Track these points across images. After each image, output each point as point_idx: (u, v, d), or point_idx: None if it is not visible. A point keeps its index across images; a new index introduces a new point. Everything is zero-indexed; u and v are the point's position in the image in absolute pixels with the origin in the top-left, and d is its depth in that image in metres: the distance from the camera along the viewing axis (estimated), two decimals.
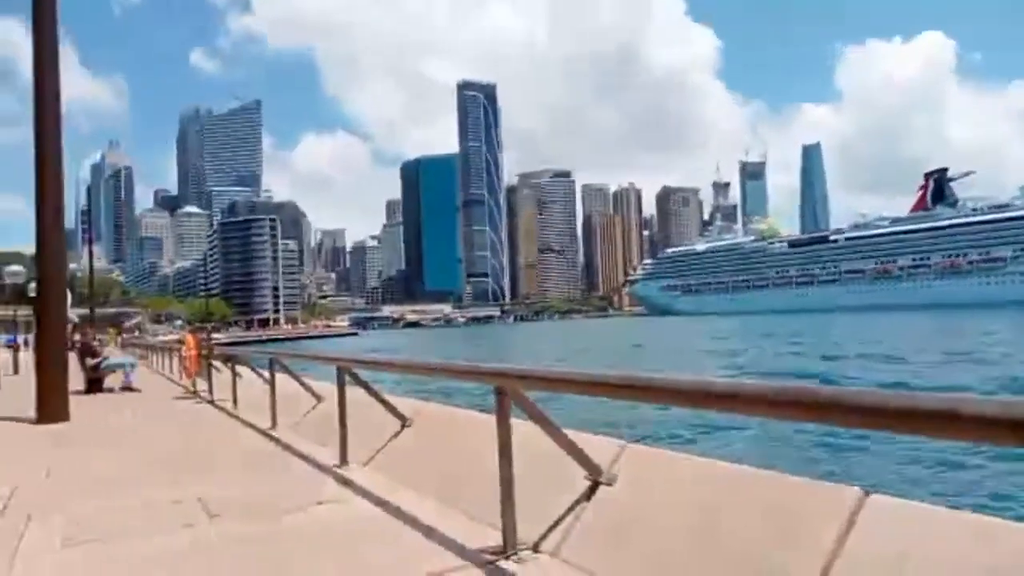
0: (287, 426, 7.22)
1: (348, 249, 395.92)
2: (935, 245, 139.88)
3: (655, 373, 2.44)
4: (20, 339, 26.11)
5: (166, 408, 10.70)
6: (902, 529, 2.09)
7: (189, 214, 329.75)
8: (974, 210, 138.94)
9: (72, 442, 7.51)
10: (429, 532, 3.45)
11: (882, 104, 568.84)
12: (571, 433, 3.25)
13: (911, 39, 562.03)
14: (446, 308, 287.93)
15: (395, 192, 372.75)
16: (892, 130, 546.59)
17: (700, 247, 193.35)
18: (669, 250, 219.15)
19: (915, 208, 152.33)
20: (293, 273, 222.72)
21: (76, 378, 13.41)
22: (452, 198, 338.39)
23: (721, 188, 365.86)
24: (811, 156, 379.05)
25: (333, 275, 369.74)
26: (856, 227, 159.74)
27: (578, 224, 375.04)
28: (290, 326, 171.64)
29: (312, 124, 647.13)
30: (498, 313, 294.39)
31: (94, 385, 13.11)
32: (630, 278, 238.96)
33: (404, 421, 5.20)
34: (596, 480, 3.12)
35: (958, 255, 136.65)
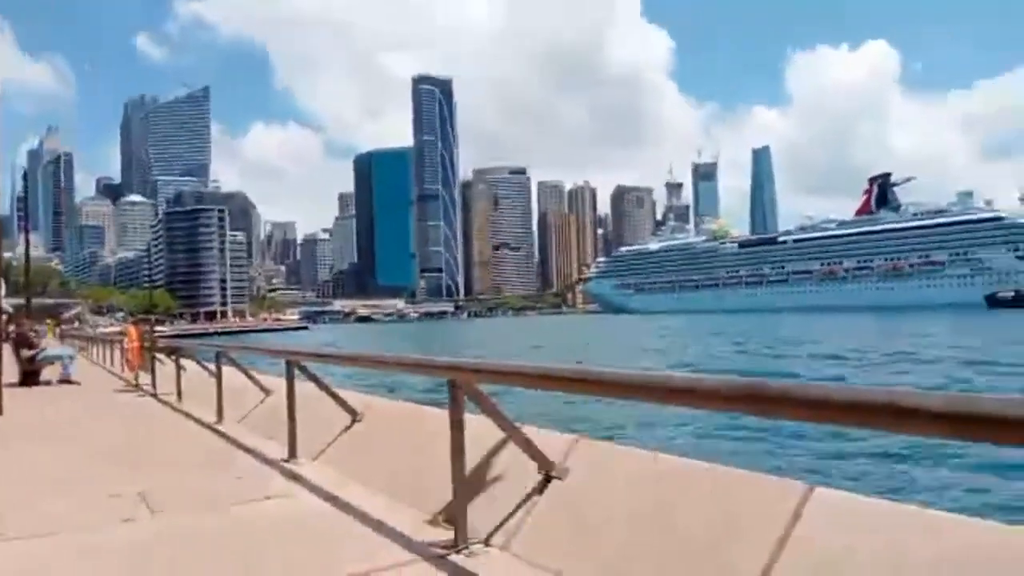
0: (234, 420, 7.06)
1: (299, 242, 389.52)
2: (878, 248, 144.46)
3: (607, 367, 2.46)
4: None
5: (107, 401, 10.38)
6: (847, 522, 2.14)
7: (133, 203, 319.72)
8: (915, 215, 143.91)
9: (6, 437, 7.22)
10: (379, 526, 3.41)
11: (830, 109, 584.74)
12: (524, 427, 3.26)
13: (858, 47, 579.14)
14: (399, 303, 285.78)
15: (348, 185, 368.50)
16: (839, 135, 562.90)
17: (653, 246, 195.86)
18: (623, 249, 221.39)
19: (860, 212, 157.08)
20: (241, 265, 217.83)
21: (10, 371, 12.91)
22: (406, 192, 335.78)
23: (674, 188, 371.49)
24: (760, 159, 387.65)
25: (283, 268, 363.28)
26: (803, 229, 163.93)
27: (533, 221, 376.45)
28: (238, 319, 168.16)
29: (263, 114, 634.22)
30: (452, 309, 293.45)
31: (30, 378, 12.62)
32: (584, 276, 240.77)
33: (355, 415, 5.13)
34: (548, 474, 3.13)
35: (900, 258, 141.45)
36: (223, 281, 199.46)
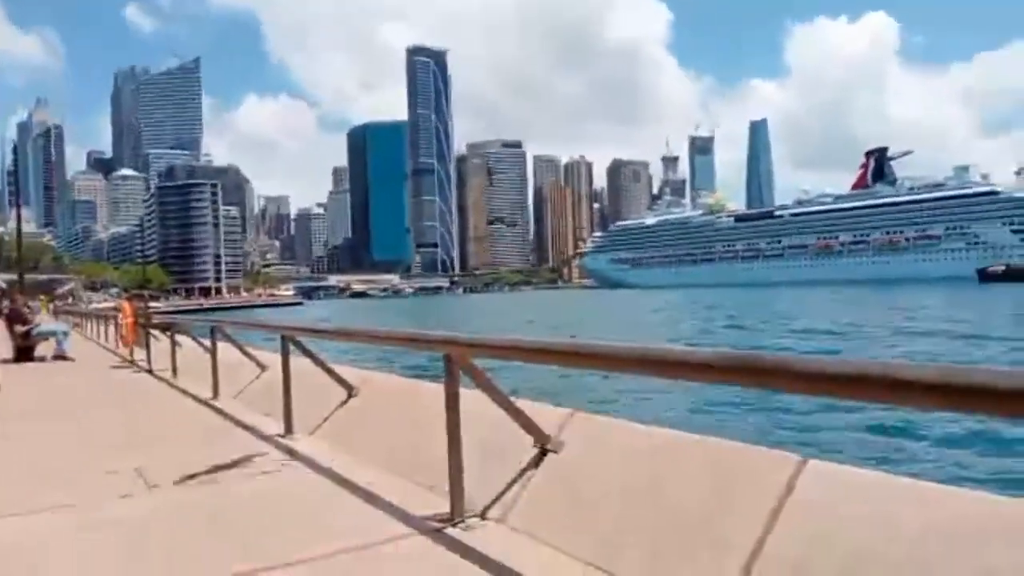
0: (229, 396, 7.07)
1: (293, 216, 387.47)
2: (875, 222, 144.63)
3: (602, 340, 2.46)
4: None
5: (102, 377, 10.38)
6: (840, 494, 2.15)
7: (124, 177, 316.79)
8: (911, 189, 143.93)
9: (0, 414, 7.21)
10: (376, 500, 3.43)
11: (828, 82, 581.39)
12: (519, 401, 3.26)
13: (857, 19, 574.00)
14: (394, 278, 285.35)
15: (341, 159, 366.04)
16: (836, 108, 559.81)
17: (649, 221, 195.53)
18: (619, 223, 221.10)
19: (856, 185, 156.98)
20: (235, 240, 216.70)
21: (4, 347, 12.89)
22: (400, 166, 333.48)
23: (671, 162, 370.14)
24: (758, 132, 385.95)
25: (277, 243, 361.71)
26: (800, 203, 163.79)
27: (529, 196, 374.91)
28: (232, 295, 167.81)
29: (255, 86, 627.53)
30: (447, 284, 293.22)
31: (24, 354, 12.60)
32: (580, 251, 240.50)
33: (350, 390, 5.14)
34: (544, 447, 3.14)
35: (896, 232, 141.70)
36: (217, 256, 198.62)
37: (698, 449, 2.70)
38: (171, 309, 66.83)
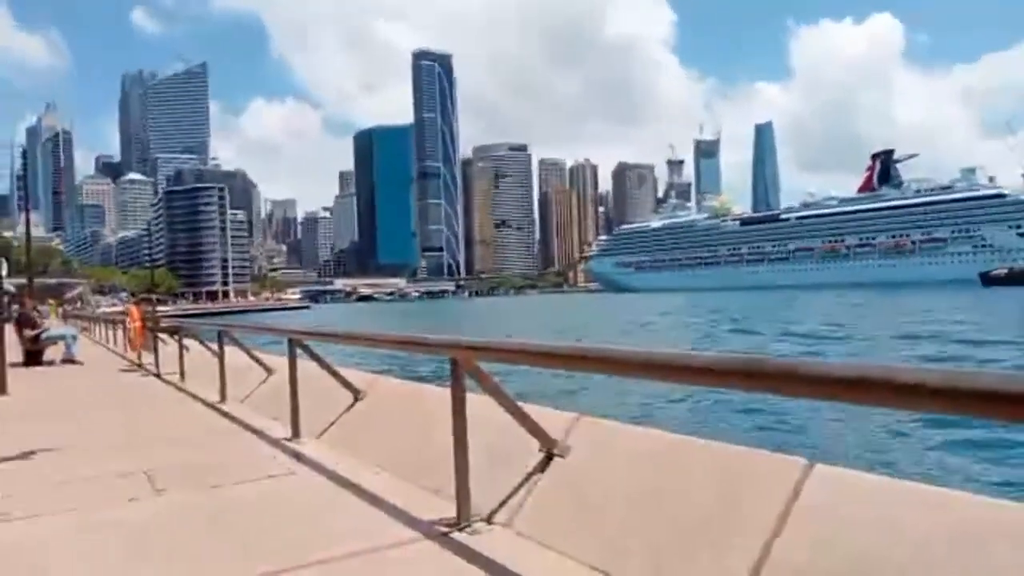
0: (237, 399, 7.10)
1: (299, 220, 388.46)
2: (881, 225, 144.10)
3: (607, 344, 2.46)
4: None
5: (110, 381, 10.42)
6: (847, 498, 2.15)
7: (132, 181, 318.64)
8: (918, 192, 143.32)
9: (11, 416, 7.27)
10: (382, 504, 3.44)
11: (832, 84, 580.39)
12: (525, 406, 3.27)
13: (862, 20, 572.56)
14: (400, 282, 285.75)
15: (348, 162, 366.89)
16: (841, 110, 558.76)
17: (654, 224, 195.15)
18: (624, 226, 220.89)
19: (862, 188, 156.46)
20: (242, 244, 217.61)
21: (13, 351, 12.95)
22: (406, 169, 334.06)
23: (675, 166, 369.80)
24: (763, 135, 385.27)
25: (284, 247, 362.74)
26: (806, 206, 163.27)
27: (534, 199, 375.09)
28: (240, 299, 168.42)
29: (260, 88, 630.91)
30: (453, 288, 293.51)
31: (33, 358, 12.67)
32: (585, 255, 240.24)
33: (357, 394, 5.15)
34: (550, 451, 3.14)
35: (902, 235, 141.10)
36: (224, 260, 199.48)
37: (704, 453, 2.70)
38: (179, 313, 67.09)
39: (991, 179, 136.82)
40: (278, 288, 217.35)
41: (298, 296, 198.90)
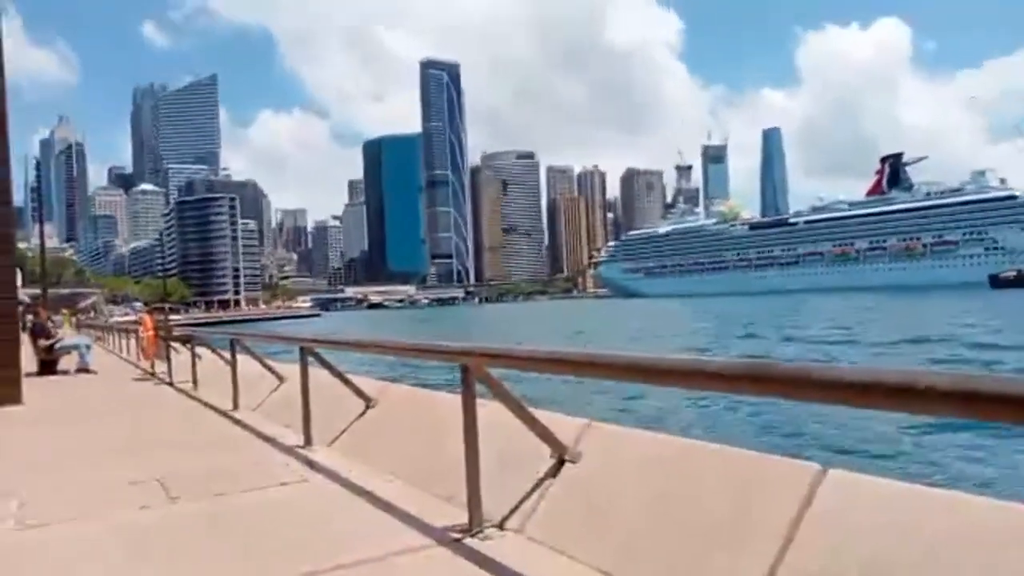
0: (249, 407, 7.13)
1: (309, 229, 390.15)
2: (891, 228, 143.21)
3: (617, 351, 2.47)
4: None
5: (124, 390, 10.50)
6: (861, 503, 2.14)
7: (144, 192, 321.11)
8: (928, 194, 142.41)
9: (26, 425, 7.33)
10: (394, 511, 3.45)
11: (840, 89, 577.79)
12: (536, 412, 3.27)
13: (868, 25, 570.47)
14: (410, 289, 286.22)
15: (356, 171, 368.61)
16: (849, 115, 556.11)
17: (663, 229, 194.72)
18: (633, 232, 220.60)
19: (871, 192, 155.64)
20: (253, 253, 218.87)
21: (28, 360, 13.05)
22: (415, 178, 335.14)
23: (684, 171, 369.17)
24: (771, 140, 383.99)
25: (295, 256, 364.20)
26: (815, 210, 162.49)
27: (542, 206, 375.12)
28: (251, 307, 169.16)
29: (268, 98, 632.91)
30: (462, 295, 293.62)
31: (47, 367, 12.77)
32: (594, 260, 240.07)
33: (368, 401, 5.17)
34: (561, 458, 3.14)
35: (913, 238, 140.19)
36: (235, 269, 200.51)
37: (716, 459, 2.70)
38: (191, 322, 67.40)
39: (1002, 181, 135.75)
40: (289, 296, 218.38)
41: (309, 304, 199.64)
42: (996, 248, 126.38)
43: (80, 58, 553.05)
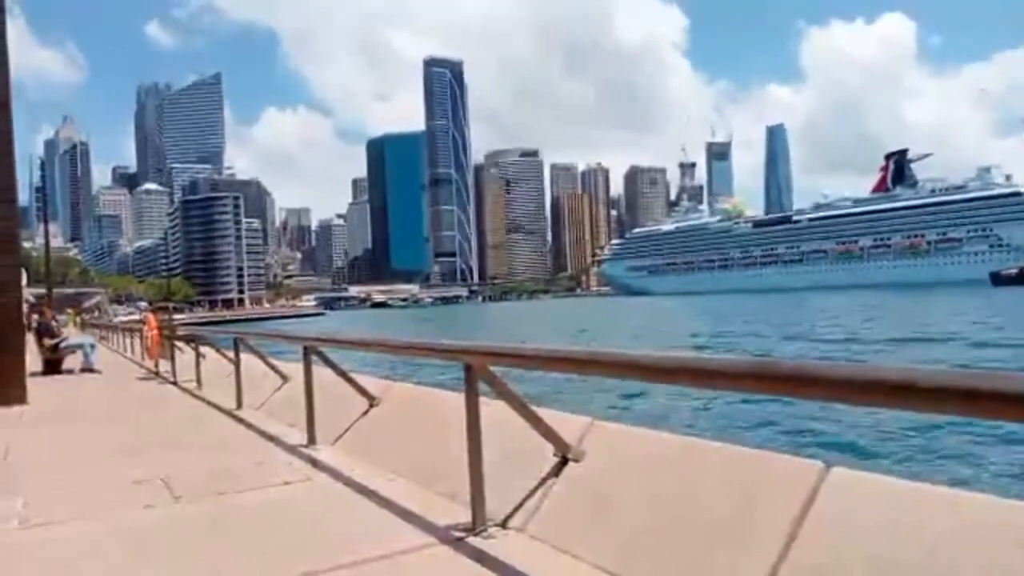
0: (253, 406, 7.14)
1: (313, 228, 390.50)
2: (896, 225, 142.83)
3: (619, 349, 2.47)
4: None
5: (128, 389, 10.52)
6: (865, 502, 2.14)
7: (148, 191, 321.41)
8: (933, 191, 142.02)
9: (31, 424, 7.35)
10: (398, 510, 3.45)
11: (844, 85, 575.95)
12: (539, 410, 3.27)
13: (873, 20, 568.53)
14: (414, 288, 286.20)
15: (360, 170, 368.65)
16: (853, 111, 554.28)
17: (667, 227, 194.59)
18: (636, 230, 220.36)
19: (876, 189, 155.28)
20: (257, 252, 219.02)
21: (33, 360, 13.11)
22: (418, 176, 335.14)
23: (688, 168, 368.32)
24: (775, 137, 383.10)
25: (298, 254, 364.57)
26: (819, 207, 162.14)
27: (546, 203, 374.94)
28: (255, 306, 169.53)
29: (272, 97, 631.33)
30: (466, 293, 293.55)
31: (52, 366, 12.82)
32: (598, 258, 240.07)
33: (372, 400, 5.18)
34: (564, 456, 3.14)
35: (917, 235, 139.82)
36: (240, 268, 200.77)
37: (719, 457, 2.69)
38: (195, 321, 67.57)
39: (1008, 177, 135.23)
40: (293, 295, 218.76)
41: (313, 303, 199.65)
42: (1001, 245, 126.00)
43: (84, 57, 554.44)
